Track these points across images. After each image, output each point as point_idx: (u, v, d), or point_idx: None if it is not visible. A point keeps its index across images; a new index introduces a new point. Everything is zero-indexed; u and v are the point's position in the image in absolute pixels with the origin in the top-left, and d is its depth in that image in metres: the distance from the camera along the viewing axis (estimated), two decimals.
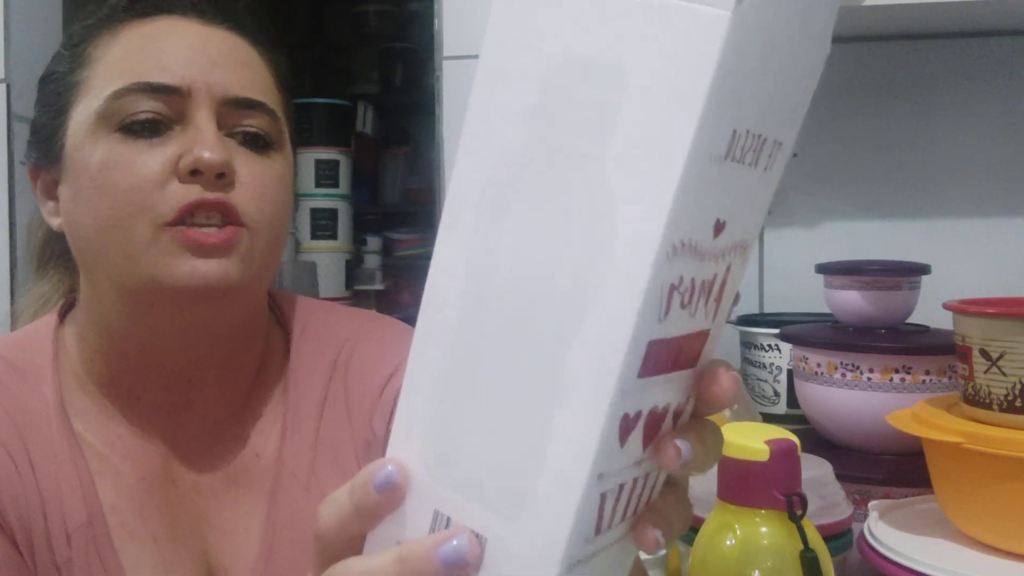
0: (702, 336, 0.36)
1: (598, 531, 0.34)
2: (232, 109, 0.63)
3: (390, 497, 0.36)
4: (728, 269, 0.35)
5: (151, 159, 0.60)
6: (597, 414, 0.31)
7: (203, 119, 0.61)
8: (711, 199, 0.32)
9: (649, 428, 0.34)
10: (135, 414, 0.66)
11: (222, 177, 0.60)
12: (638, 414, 0.33)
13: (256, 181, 0.63)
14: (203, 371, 0.67)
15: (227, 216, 0.61)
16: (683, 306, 0.33)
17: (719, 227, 0.33)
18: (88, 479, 0.63)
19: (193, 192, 0.60)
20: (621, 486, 0.34)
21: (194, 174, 0.60)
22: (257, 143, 0.64)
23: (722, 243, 0.34)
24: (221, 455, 0.68)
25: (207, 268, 0.60)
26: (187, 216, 0.59)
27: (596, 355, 0.31)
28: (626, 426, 0.33)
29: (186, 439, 0.67)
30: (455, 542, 0.33)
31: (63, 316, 0.69)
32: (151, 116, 0.60)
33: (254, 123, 0.64)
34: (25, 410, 0.63)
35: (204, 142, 0.60)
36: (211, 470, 0.68)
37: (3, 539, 0.60)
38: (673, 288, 0.32)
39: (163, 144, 0.61)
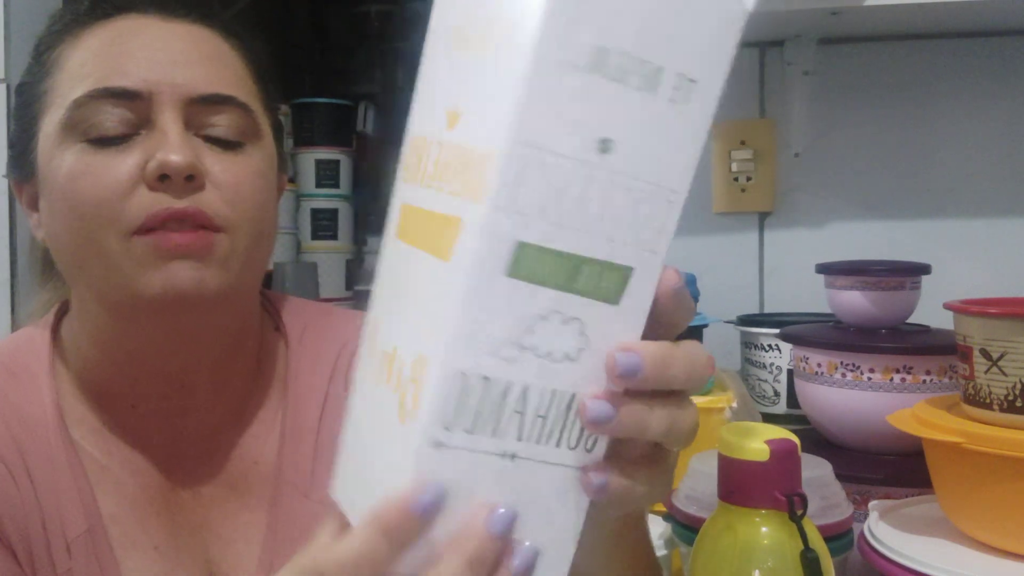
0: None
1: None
2: (200, 107, 0.60)
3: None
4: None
5: (117, 167, 0.58)
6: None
7: (167, 121, 0.59)
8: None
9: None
10: (132, 423, 0.65)
11: (191, 180, 0.58)
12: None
13: (230, 180, 0.60)
14: (195, 376, 0.66)
15: (200, 223, 0.58)
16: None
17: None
18: (87, 488, 0.62)
19: (162, 200, 0.57)
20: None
21: (162, 179, 0.57)
22: (230, 138, 0.62)
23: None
24: (220, 463, 0.67)
25: (183, 274, 0.57)
26: (157, 224, 0.57)
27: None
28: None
29: (184, 447, 0.66)
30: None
31: (58, 322, 0.68)
32: (117, 129, 0.58)
33: (225, 119, 0.61)
34: (21, 416, 0.62)
35: (168, 145, 0.58)
36: (210, 478, 0.67)
37: (4, 554, 0.59)
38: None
39: (129, 150, 0.58)
